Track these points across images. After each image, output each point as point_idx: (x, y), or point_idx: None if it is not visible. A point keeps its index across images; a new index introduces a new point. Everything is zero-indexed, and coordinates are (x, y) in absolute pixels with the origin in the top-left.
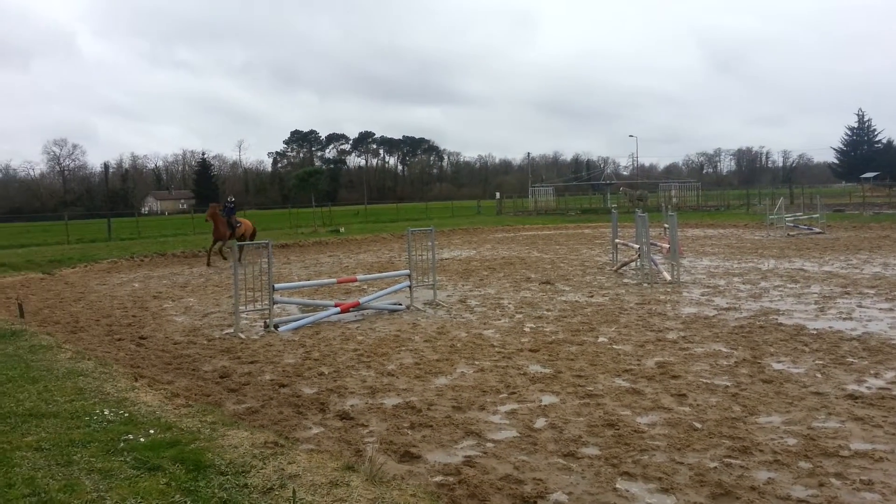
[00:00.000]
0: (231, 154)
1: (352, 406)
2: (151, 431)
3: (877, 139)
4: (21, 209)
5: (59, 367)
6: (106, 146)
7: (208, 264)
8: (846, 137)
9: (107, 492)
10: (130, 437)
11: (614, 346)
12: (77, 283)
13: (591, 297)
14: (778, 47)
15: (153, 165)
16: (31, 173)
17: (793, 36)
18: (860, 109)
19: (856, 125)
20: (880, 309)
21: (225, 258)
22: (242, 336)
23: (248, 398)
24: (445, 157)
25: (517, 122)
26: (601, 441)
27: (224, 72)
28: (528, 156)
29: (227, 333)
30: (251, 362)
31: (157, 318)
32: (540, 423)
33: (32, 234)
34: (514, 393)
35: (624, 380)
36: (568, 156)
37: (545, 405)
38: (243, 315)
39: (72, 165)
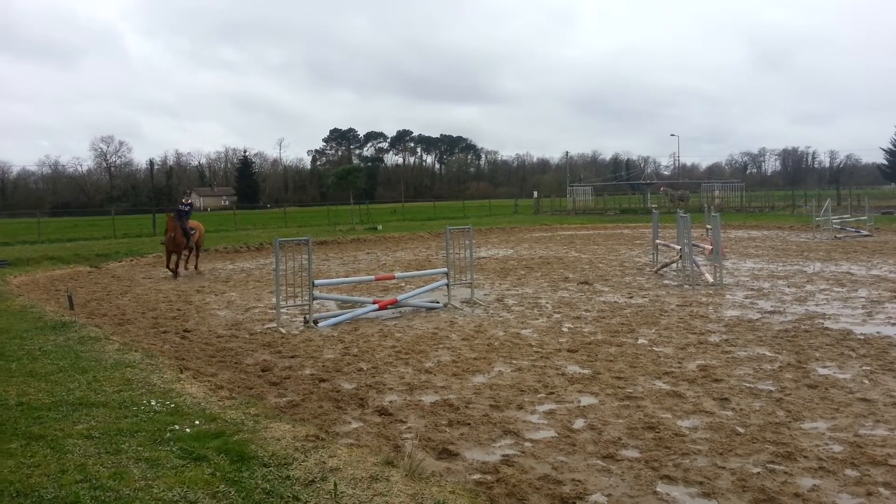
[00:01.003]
0: (272, 152)
1: (390, 402)
2: (196, 422)
3: None
4: (69, 204)
5: (107, 357)
6: (151, 143)
7: (175, 275)
8: None
9: (154, 480)
10: (176, 427)
11: (654, 348)
12: (123, 276)
13: (631, 297)
14: (825, 44)
15: (196, 162)
16: (79, 169)
17: (840, 32)
18: None
19: None
20: None
21: (183, 270)
22: (283, 331)
23: (290, 392)
24: (483, 156)
25: (555, 121)
26: (641, 443)
27: (264, 71)
28: (567, 155)
29: (268, 328)
30: (292, 357)
31: (200, 311)
32: (578, 423)
33: (80, 228)
34: (553, 393)
35: (664, 382)
36: (607, 155)
37: (584, 406)
38: (284, 310)
39: (118, 162)
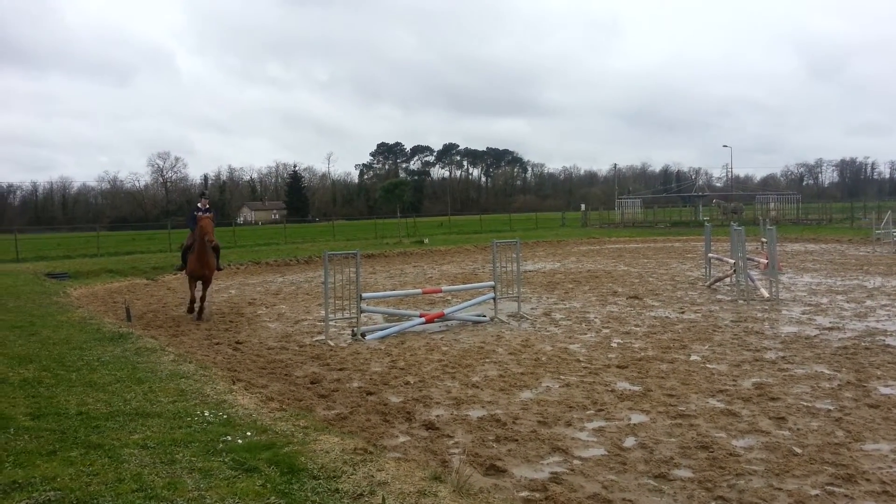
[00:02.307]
0: (321, 166)
1: (437, 416)
2: (248, 433)
3: None
4: (127, 218)
5: (162, 369)
6: (204, 159)
7: (200, 318)
8: None
9: (207, 490)
10: (228, 438)
11: (708, 365)
12: (178, 289)
13: (683, 313)
14: (882, 51)
15: (248, 177)
16: (137, 184)
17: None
18: None
19: None
20: None
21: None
22: (331, 343)
23: (338, 404)
24: (529, 169)
25: (603, 133)
26: (694, 463)
27: (311, 86)
28: (615, 167)
29: (317, 340)
30: (340, 369)
31: (251, 323)
32: (629, 442)
33: (137, 242)
34: (602, 410)
35: (718, 400)
36: (657, 167)
37: (634, 424)
38: (332, 323)
39: (174, 177)
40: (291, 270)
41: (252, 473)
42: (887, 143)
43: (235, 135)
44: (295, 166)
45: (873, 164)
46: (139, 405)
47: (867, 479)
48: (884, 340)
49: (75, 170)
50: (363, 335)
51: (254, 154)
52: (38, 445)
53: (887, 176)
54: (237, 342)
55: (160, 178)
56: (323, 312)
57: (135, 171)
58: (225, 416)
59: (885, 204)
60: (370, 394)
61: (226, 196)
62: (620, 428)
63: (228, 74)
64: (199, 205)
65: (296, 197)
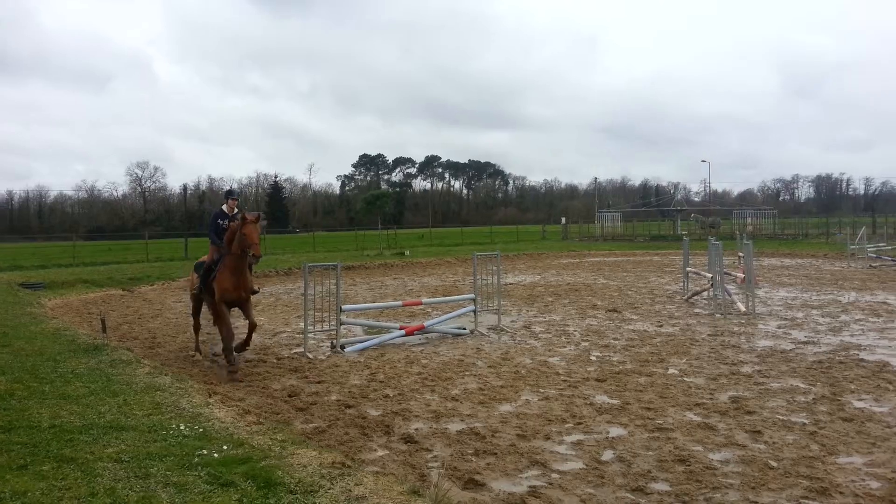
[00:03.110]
0: (302, 177)
1: (416, 430)
2: (224, 447)
3: None
4: (103, 228)
5: (137, 381)
6: (184, 168)
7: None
8: None
9: None
10: (204, 452)
11: (685, 379)
12: (155, 300)
13: (661, 326)
14: (858, 70)
15: (228, 187)
16: (114, 194)
17: (875, 57)
18: None
19: None
20: None
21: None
22: (310, 356)
23: (316, 418)
24: (510, 182)
25: (584, 147)
26: (671, 477)
27: (292, 96)
28: (595, 181)
29: (295, 353)
30: (318, 382)
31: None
32: (607, 455)
33: (114, 252)
34: (581, 423)
35: (695, 414)
36: (636, 181)
37: (613, 437)
38: (311, 335)
39: (153, 187)
40: (271, 282)
41: (228, 488)
42: (862, 160)
43: (215, 144)
44: (276, 177)
45: (848, 180)
46: (113, 418)
47: (841, 493)
48: (858, 355)
49: (51, 178)
50: (342, 347)
51: (234, 164)
52: (9, 459)
53: (862, 192)
54: (214, 354)
55: (138, 188)
56: (302, 324)
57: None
58: (201, 430)
59: (860, 220)
60: (349, 407)
61: (205, 206)
62: (599, 441)
63: (208, 83)
64: (223, 208)
65: (276, 207)
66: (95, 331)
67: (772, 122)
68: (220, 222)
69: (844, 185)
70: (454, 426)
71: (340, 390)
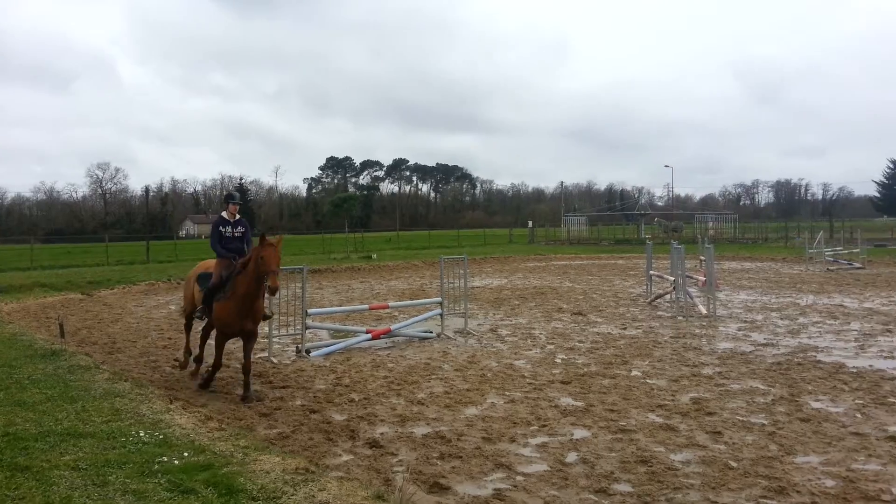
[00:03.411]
0: (268, 179)
1: (381, 434)
2: (185, 454)
3: None
4: (62, 231)
5: (96, 387)
6: (147, 170)
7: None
8: (888, 170)
9: None
10: (165, 458)
11: (648, 381)
12: (115, 304)
13: (624, 329)
14: (817, 77)
15: (192, 189)
16: (74, 195)
17: (833, 66)
18: None
19: None
20: None
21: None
22: (275, 360)
23: (280, 423)
24: (478, 185)
25: (550, 151)
26: (634, 477)
27: (258, 97)
28: (562, 185)
29: (259, 357)
30: (283, 387)
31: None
32: (571, 457)
33: (74, 255)
34: (545, 425)
35: (658, 415)
36: (602, 185)
37: (577, 439)
38: (276, 339)
39: (114, 189)
40: None
41: (188, 495)
42: (820, 166)
43: (179, 145)
44: (241, 179)
45: (807, 185)
46: (71, 425)
47: (798, 492)
48: (815, 356)
49: (9, 179)
50: (308, 352)
51: (198, 166)
52: None
53: (820, 197)
54: (175, 360)
55: (99, 190)
56: (267, 329)
57: (72, 181)
58: (161, 436)
59: (818, 224)
60: (313, 412)
61: (167, 209)
62: (563, 443)
63: (171, 83)
64: (224, 215)
65: (241, 210)
66: (53, 336)
67: (732, 128)
68: (223, 230)
69: (803, 190)
70: (420, 430)
71: (305, 395)
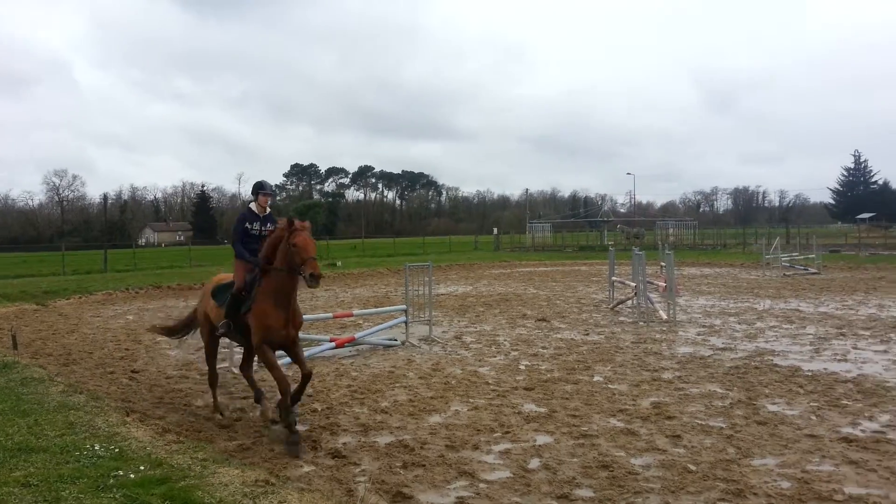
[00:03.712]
0: (231, 186)
1: (344, 444)
2: (142, 468)
3: (873, 180)
4: (17, 239)
5: (50, 400)
6: (106, 177)
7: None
8: (842, 178)
9: None
10: (120, 473)
11: (609, 386)
12: (71, 314)
13: (587, 335)
14: (774, 87)
15: (152, 197)
16: (30, 203)
17: (789, 76)
18: (856, 150)
19: (852, 166)
20: (875, 351)
21: None
22: (235, 371)
23: (240, 435)
24: (444, 192)
25: (515, 158)
26: (595, 483)
27: (221, 103)
28: (526, 192)
29: (220, 368)
30: (244, 398)
31: (150, 351)
32: (534, 463)
33: (29, 264)
34: (509, 432)
35: (619, 420)
36: (566, 192)
37: (539, 445)
38: (237, 349)
39: (71, 196)
40: (196, 295)
41: None
42: (777, 173)
43: (139, 152)
44: (203, 186)
45: (764, 192)
46: (23, 439)
47: (755, 494)
48: (772, 360)
49: None
50: None
51: (158, 173)
52: None
53: (777, 204)
54: (133, 371)
55: (56, 197)
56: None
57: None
58: (117, 450)
59: (775, 230)
60: (275, 423)
61: (126, 216)
62: (526, 449)
63: (132, 88)
64: (252, 207)
65: (203, 218)
66: (6, 347)
67: (692, 136)
68: (249, 227)
69: (760, 197)
70: (383, 439)
71: (267, 406)
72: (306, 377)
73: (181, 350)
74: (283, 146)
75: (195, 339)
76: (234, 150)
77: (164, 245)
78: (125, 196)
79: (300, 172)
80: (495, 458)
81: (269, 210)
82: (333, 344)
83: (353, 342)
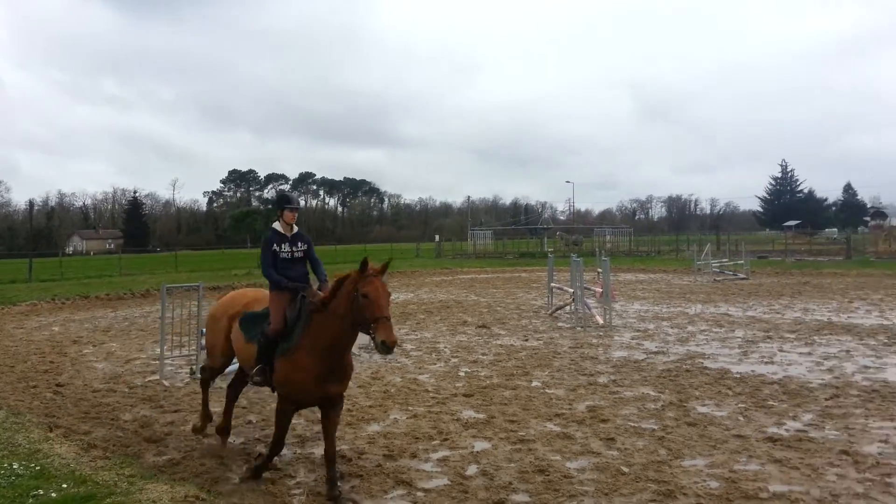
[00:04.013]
0: (165, 193)
1: (279, 456)
2: (64, 486)
3: (799, 189)
4: None
5: None
6: (32, 183)
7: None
8: (770, 186)
9: None
10: (40, 492)
11: (547, 391)
12: None
13: (526, 340)
14: (707, 99)
15: (81, 203)
16: None
17: (722, 88)
18: (783, 160)
19: (779, 175)
20: (800, 353)
21: None
22: (167, 383)
23: (170, 449)
24: (386, 199)
25: (458, 166)
26: (531, 487)
27: (154, 107)
28: (468, 199)
29: (150, 381)
30: (175, 411)
31: (76, 364)
32: (471, 470)
33: None
34: (447, 440)
35: (555, 424)
36: (507, 200)
37: (477, 451)
38: (169, 361)
39: None
40: (125, 305)
41: None
42: (709, 182)
43: (66, 157)
44: (135, 192)
45: (696, 200)
46: None
47: (685, 494)
48: (702, 363)
49: None
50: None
51: (88, 178)
52: None
53: (708, 211)
54: (58, 385)
55: None
56: (159, 350)
57: None
58: (38, 468)
59: (706, 237)
60: (207, 436)
61: (53, 224)
62: (464, 456)
63: (57, 90)
64: (277, 227)
65: (135, 225)
66: None
67: (629, 146)
68: (277, 248)
69: (693, 205)
70: (320, 450)
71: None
72: (328, 458)
73: (108, 363)
74: (220, 151)
75: (124, 351)
76: (169, 155)
77: (93, 253)
78: (52, 202)
79: (238, 178)
80: (433, 465)
81: (296, 228)
82: None
83: None
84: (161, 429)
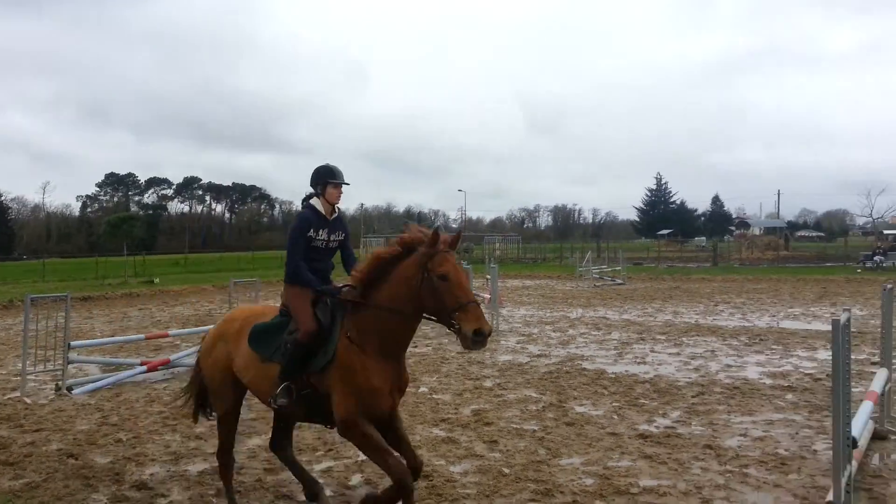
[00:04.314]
0: (33, 197)
1: (151, 475)
2: None
3: (672, 200)
4: None
5: None
6: None
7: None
8: (646, 198)
9: None
10: None
11: (434, 396)
12: None
13: (415, 346)
14: (589, 114)
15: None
16: None
17: (602, 103)
18: (659, 173)
19: (654, 187)
20: (669, 353)
21: None
22: (28, 401)
23: (29, 471)
24: (277, 206)
25: (351, 173)
26: (414, 494)
27: (22, 106)
28: (361, 206)
29: (10, 398)
30: (36, 430)
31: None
32: (355, 479)
33: None
34: (332, 450)
35: (441, 429)
36: (401, 207)
37: (362, 461)
38: (32, 377)
39: None
40: None
41: None
42: (591, 193)
43: None
44: (0, 196)
45: (580, 210)
46: None
47: (561, 492)
48: (581, 364)
49: None
50: (69, 389)
51: None
52: None
53: (590, 220)
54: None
55: None
56: (20, 365)
57: None
58: None
59: (588, 245)
60: (71, 456)
61: None
62: (348, 466)
63: None
64: (316, 205)
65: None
66: None
67: (518, 156)
68: (314, 235)
69: (576, 214)
70: (196, 467)
71: (63, 438)
72: (417, 471)
73: None
74: (96, 153)
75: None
76: (39, 157)
77: None
78: None
79: (116, 182)
80: (317, 476)
81: (338, 209)
82: (144, 368)
83: (167, 365)
84: (20, 450)
